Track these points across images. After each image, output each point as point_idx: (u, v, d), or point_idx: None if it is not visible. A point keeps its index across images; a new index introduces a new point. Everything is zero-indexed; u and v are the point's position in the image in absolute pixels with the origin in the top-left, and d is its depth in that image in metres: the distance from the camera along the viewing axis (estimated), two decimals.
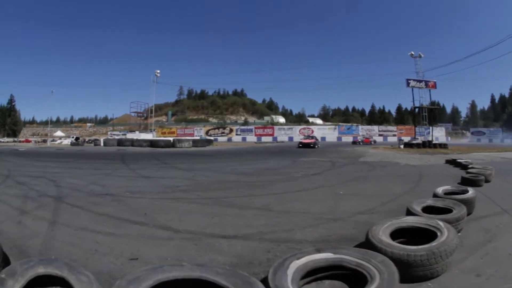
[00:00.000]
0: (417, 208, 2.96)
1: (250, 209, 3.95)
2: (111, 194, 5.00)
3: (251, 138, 51.27)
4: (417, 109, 27.93)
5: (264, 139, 50.09)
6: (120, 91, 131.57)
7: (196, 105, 79.75)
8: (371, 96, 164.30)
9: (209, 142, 33.22)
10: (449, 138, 48.10)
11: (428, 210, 3.11)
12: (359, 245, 2.32)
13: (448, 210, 3.05)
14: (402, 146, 24.09)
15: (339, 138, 47.82)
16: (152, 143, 27.05)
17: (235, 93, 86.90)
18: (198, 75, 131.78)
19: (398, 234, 2.35)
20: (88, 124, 75.10)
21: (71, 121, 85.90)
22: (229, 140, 51.03)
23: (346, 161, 11.81)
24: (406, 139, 32.76)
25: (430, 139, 25.56)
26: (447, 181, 6.66)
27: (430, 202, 3.26)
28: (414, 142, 25.34)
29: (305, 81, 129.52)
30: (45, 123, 63.43)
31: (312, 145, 24.07)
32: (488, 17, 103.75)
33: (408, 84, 26.63)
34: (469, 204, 3.38)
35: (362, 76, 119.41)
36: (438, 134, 28.67)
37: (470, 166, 8.31)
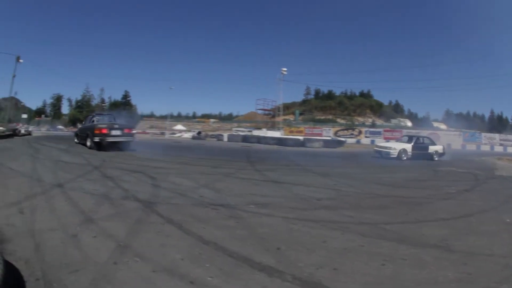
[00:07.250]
0: None
1: (427, 248, 2.73)
2: (228, 206, 3.71)
3: (379, 141, 47.69)
4: None
5: None
6: (245, 89, 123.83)
7: (324, 105, 76.53)
8: (488, 100, 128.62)
9: (341, 143, 29.66)
10: None
11: None
12: None
13: None
14: None
15: (463, 146, 40.41)
16: (280, 141, 26.08)
17: (361, 94, 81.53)
18: (324, 74, 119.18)
19: None
20: (212, 120, 72.89)
21: (194, 116, 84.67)
22: (358, 142, 47.52)
23: (485, 174, 9.30)
24: None
25: None
26: None
27: None
28: None
29: (429, 82, 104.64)
30: (164, 117, 64.46)
31: None
32: None
33: None
34: None
35: (484, 78, 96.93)
36: None
37: None
